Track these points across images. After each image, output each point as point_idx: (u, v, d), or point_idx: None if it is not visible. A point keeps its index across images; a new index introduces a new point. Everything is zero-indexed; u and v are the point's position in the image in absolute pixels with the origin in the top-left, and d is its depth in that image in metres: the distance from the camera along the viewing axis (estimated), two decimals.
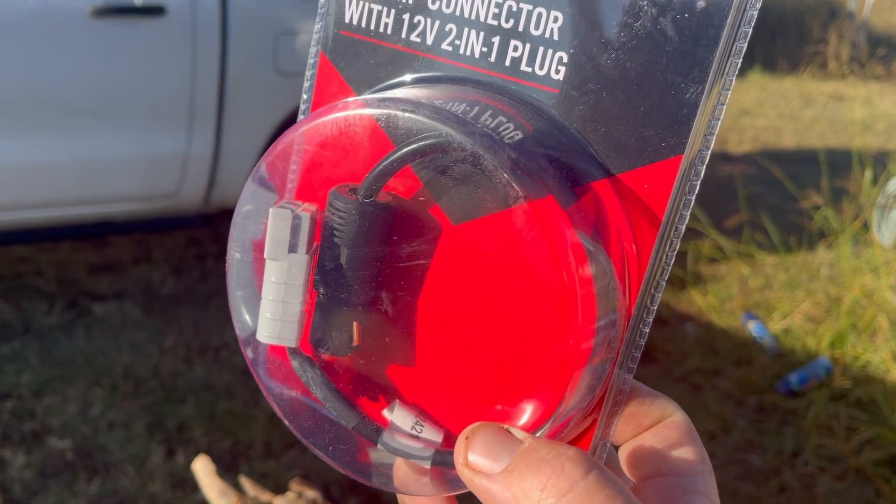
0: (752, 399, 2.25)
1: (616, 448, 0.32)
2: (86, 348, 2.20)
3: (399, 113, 0.28)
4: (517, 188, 0.27)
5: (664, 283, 0.29)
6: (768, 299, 2.78)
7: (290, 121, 2.41)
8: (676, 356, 2.40)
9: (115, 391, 2.03)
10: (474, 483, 0.27)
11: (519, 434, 0.28)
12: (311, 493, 0.90)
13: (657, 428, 0.31)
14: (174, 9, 2.16)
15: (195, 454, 1.83)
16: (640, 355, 0.30)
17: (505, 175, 0.27)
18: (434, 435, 0.31)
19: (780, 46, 7.67)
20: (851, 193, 2.97)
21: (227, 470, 1.73)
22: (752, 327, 2.56)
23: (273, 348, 0.33)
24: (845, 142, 5.13)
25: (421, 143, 0.28)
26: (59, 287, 2.52)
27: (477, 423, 0.28)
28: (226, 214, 2.65)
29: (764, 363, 2.40)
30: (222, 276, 2.36)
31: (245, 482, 0.98)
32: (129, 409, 1.97)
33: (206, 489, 0.95)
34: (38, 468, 1.76)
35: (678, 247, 0.29)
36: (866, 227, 2.87)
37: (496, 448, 0.27)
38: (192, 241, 2.88)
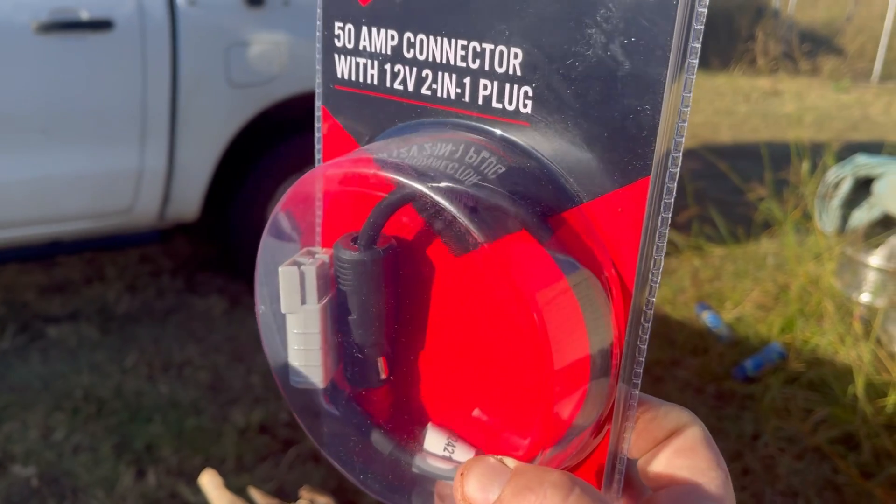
0: (710, 387, 2.32)
1: (635, 461, 0.33)
2: (43, 372, 2.15)
3: (368, 171, 0.30)
4: (475, 233, 0.28)
5: (654, 300, 0.30)
6: (719, 289, 2.87)
7: (245, 133, 2.39)
8: None
9: (77, 414, 1.99)
10: None
11: (510, 463, 0.29)
12: (323, 500, 0.90)
13: (672, 439, 0.32)
14: (122, 23, 2.12)
15: (166, 474, 1.81)
16: (642, 370, 0.30)
17: (463, 221, 0.28)
18: (465, 455, 0.32)
19: (711, 45, 7.90)
20: (792, 184, 3.09)
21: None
22: (706, 317, 2.63)
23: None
24: (778, 135, 5.32)
25: (392, 199, 0.30)
26: (8, 311, 2.45)
27: (473, 458, 0.30)
28: (181, 230, 2.61)
29: (720, 351, 2.48)
30: (179, 291, 2.34)
31: (254, 493, 0.97)
32: (93, 431, 1.93)
33: (215, 503, 0.94)
34: (4, 497, 1.71)
35: (662, 264, 0.29)
36: (807, 216, 2.99)
37: (488, 480, 0.28)
38: (145, 257, 2.83)
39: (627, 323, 0.30)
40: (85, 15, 2.08)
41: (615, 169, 0.29)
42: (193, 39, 2.23)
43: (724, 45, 8.00)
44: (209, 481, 0.94)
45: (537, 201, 0.30)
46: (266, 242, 0.34)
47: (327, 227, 0.34)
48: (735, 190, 3.20)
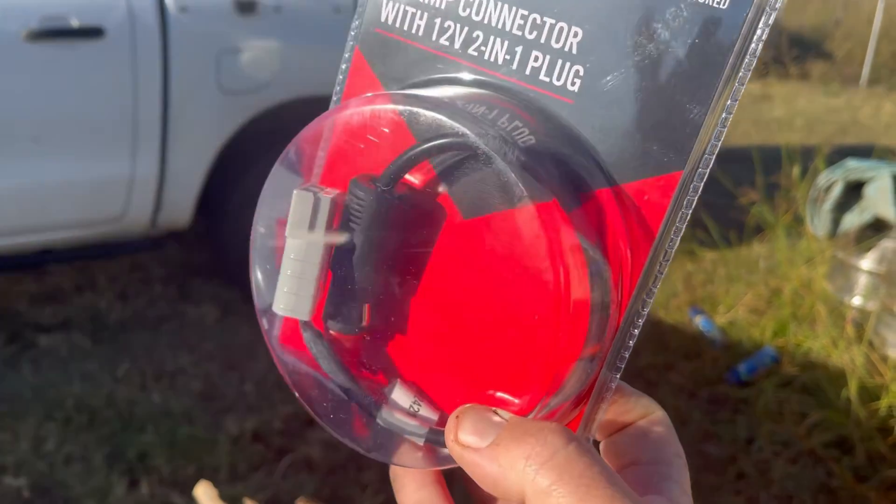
0: (704, 391, 2.32)
1: (597, 445, 0.34)
2: (34, 382, 2.13)
3: (420, 110, 0.30)
4: (522, 189, 0.28)
5: (656, 290, 0.31)
6: (712, 294, 2.87)
7: (237, 139, 2.39)
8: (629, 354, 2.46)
9: (69, 424, 1.97)
10: (464, 458, 0.29)
11: (504, 415, 0.30)
12: None
13: (638, 424, 0.33)
14: (113, 30, 2.11)
15: (159, 484, 1.80)
16: (627, 356, 0.31)
17: (512, 175, 0.28)
18: (430, 414, 0.33)
19: None
20: (783, 188, 3.10)
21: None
22: (699, 322, 2.64)
23: (287, 322, 0.36)
24: (769, 139, 5.35)
25: (439, 141, 0.30)
26: None
27: (467, 405, 0.30)
28: (172, 237, 2.60)
29: (713, 356, 2.48)
30: (171, 299, 2.33)
31: (249, 503, 0.97)
32: (85, 441, 1.92)
33: None
34: None
35: (672, 257, 0.30)
36: (799, 219, 3.00)
37: (483, 426, 0.29)
38: (136, 265, 2.82)
39: (625, 310, 0.31)
40: (75, 22, 2.07)
41: (651, 159, 0.30)
42: (184, 46, 2.23)
43: None
44: (204, 493, 0.93)
45: (569, 174, 0.31)
46: (277, 171, 0.34)
47: (335, 166, 0.33)
48: (727, 194, 3.21)
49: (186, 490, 1.75)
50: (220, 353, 2.33)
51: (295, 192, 0.31)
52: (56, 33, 2.04)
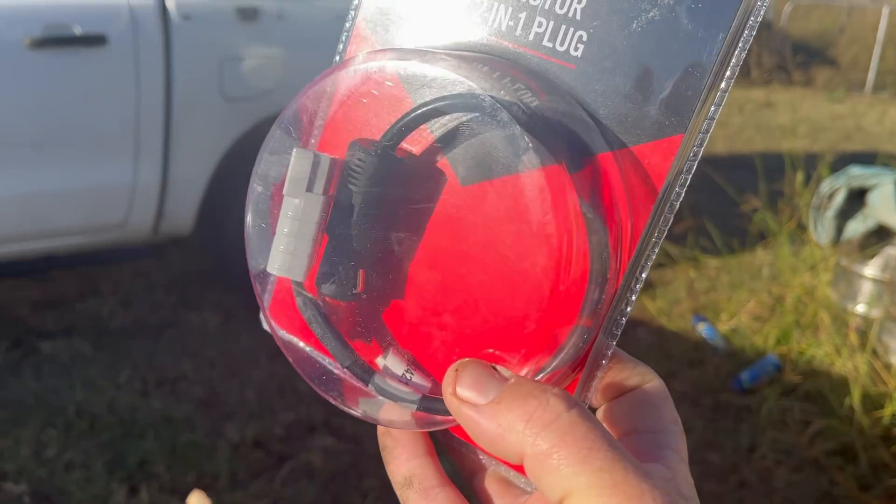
0: (707, 399, 2.31)
1: (594, 411, 0.34)
2: (36, 388, 2.13)
3: (426, 65, 0.30)
4: (527, 141, 0.28)
5: (654, 256, 0.31)
6: (715, 301, 2.86)
7: (239, 146, 2.39)
8: None
9: (70, 430, 1.97)
10: (461, 412, 0.28)
11: (506, 373, 0.29)
12: None
13: (634, 392, 0.33)
14: (115, 38, 2.12)
15: (159, 490, 1.79)
16: (624, 323, 0.31)
17: (518, 128, 0.28)
18: (423, 381, 0.32)
19: None
20: (786, 195, 3.09)
21: None
22: (702, 329, 2.63)
23: (279, 287, 0.35)
24: (772, 146, 5.34)
25: (442, 103, 0.30)
26: (1, 326, 2.43)
27: (466, 359, 0.30)
28: (175, 244, 2.61)
29: (716, 363, 2.47)
30: (173, 306, 2.32)
31: None
32: (86, 447, 1.91)
33: None
34: None
35: (671, 222, 0.30)
36: (802, 227, 2.99)
37: (484, 382, 0.28)
38: (139, 272, 2.82)
39: (623, 276, 0.31)
40: (78, 30, 2.08)
41: (652, 122, 0.30)
42: (187, 54, 2.23)
43: None
44: (198, 501, 0.93)
45: (571, 138, 0.31)
46: (275, 131, 0.34)
47: (336, 130, 0.33)
48: (730, 201, 3.20)
49: (186, 497, 1.75)
50: (221, 359, 2.33)
51: (294, 150, 0.31)
52: (59, 41, 2.05)
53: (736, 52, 0.29)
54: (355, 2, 0.37)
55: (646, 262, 0.31)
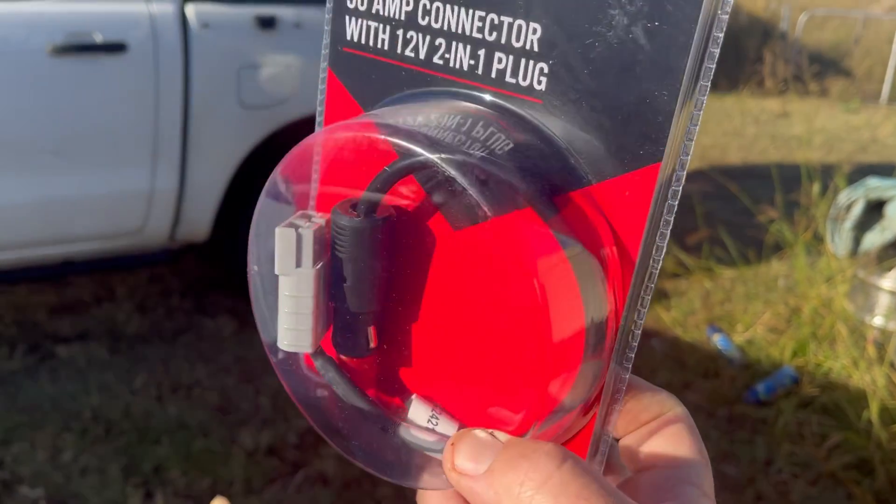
0: (722, 410, 2.30)
1: (617, 441, 0.33)
2: (52, 392, 2.14)
3: (379, 136, 0.29)
4: (484, 207, 0.27)
5: (653, 286, 0.30)
6: (730, 312, 2.85)
7: (256, 153, 2.40)
8: (646, 372, 2.44)
9: (85, 435, 1.98)
10: (461, 485, 0.29)
11: (501, 437, 0.29)
12: None
13: (655, 422, 0.32)
14: (135, 45, 2.14)
15: (174, 496, 1.80)
16: (635, 349, 0.30)
17: (473, 195, 0.28)
18: (449, 428, 0.32)
19: (719, 66, 7.91)
20: (802, 206, 3.08)
21: None
22: (717, 340, 2.62)
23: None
24: (788, 156, 5.32)
25: (400, 166, 0.30)
26: (19, 330, 2.45)
27: (462, 430, 0.30)
28: (191, 249, 2.62)
29: (731, 375, 2.46)
30: (188, 311, 2.33)
31: None
32: (101, 452, 1.92)
33: None
34: None
35: (665, 250, 0.29)
36: (818, 238, 2.97)
37: (479, 451, 0.28)
38: (155, 277, 2.84)
39: (624, 307, 0.30)
40: (99, 38, 2.10)
41: (626, 152, 0.29)
42: (206, 61, 2.25)
43: (733, 67, 8.03)
44: None
45: (545, 179, 0.30)
46: (263, 204, 0.33)
47: (324, 191, 0.34)
48: (745, 212, 3.19)
49: (201, 503, 1.75)
50: (235, 366, 2.34)
51: (276, 230, 0.31)
52: (80, 48, 2.07)
53: (703, 68, 0.28)
54: (323, 52, 0.36)
55: (644, 293, 0.30)
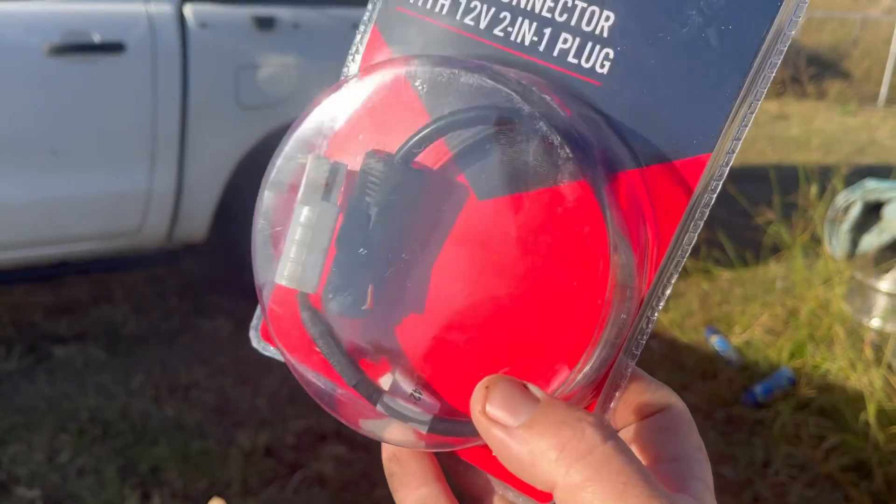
0: (720, 412, 2.30)
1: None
2: (49, 393, 2.14)
3: (462, 71, 0.29)
4: (568, 152, 0.28)
5: (677, 275, 0.31)
6: (728, 313, 2.85)
7: (254, 154, 2.40)
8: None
9: (82, 436, 1.98)
10: (490, 433, 0.27)
11: (538, 393, 0.28)
12: None
13: (657, 416, 0.32)
14: (134, 45, 2.14)
15: (171, 497, 1.79)
16: (644, 342, 0.31)
17: (558, 137, 0.28)
18: (433, 402, 0.31)
19: None
20: (800, 208, 3.08)
21: None
22: (715, 341, 2.62)
23: (283, 302, 0.33)
24: (786, 158, 5.32)
25: (466, 115, 0.29)
26: (15, 331, 2.44)
27: (496, 375, 0.29)
28: (189, 250, 2.62)
29: (729, 376, 2.46)
30: (186, 312, 2.32)
31: None
32: (98, 453, 1.92)
33: None
34: None
35: (694, 241, 0.30)
36: (816, 239, 2.97)
37: (515, 402, 0.27)
38: (152, 278, 2.83)
39: (645, 295, 0.31)
40: (97, 38, 2.09)
41: (680, 141, 0.31)
42: (204, 61, 2.25)
43: None
44: None
45: (598, 155, 0.31)
46: (288, 139, 0.32)
47: (350, 136, 0.32)
48: (743, 213, 3.19)
49: None
50: (233, 367, 2.33)
51: (310, 156, 0.30)
52: (78, 48, 2.07)
53: (763, 75, 0.30)
54: (369, 11, 0.36)
55: (669, 280, 0.31)
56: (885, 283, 2.59)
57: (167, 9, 2.20)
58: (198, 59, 2.23)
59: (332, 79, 0.36)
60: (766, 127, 6.64)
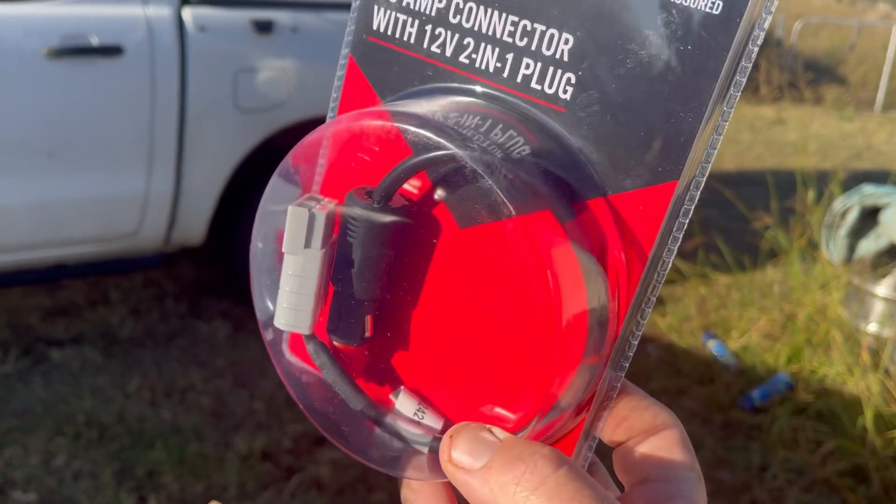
0: (717, 417, 2.30)
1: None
2: (45, 396, 2.13)
3: (409, 127, 0.30)
4: (510, 206, 0.28)
5: (654, 299, 0.31)
6: (725, 318, 2.85)
7: (251, 157, 2.40)
8: (641, 378, 2.44)
9: (78, 439, 1.97)
10: (456, 478, 0.29)
11: (500, 434, 0.29)
12: None
13: (649, 434, 0.32)
14: (132, 48, 2.14)
15: (167, 501, 1.79)
16: (631, 357, 0.31)
17: (500, 194, 0.28)
18: (434, 422, 0.32)
19: None
20: (798, 213, 3.08)
21: None
22: (712, 346, 2.62)
23: (291, 334, 0.35)
24: (783, 163, 5.33)
25: (429, 155, 0.30)
26: (11, 334, 2.44)
27: (461, 423, 0.30)
28: (186, 253, 2.61)
29: (726, 381, 2.46)
30: (183, 315, 2.33)
31: None
32: (94, 457, 1.91)
33: None
34: None
35: (670, 266, 0.30)
36: (813, 244, 2.98)
37: (477, 446, 0.29)
38: (149, 281, 2.83)
39: (626, 314, 0.31)
40: (95, 41, 2.09)
41: (646, 168, 0.30)
42: (202, 65, 2.25)
43: None
44: None
45: (563, 186, 0.31)
46: (275, 183, 0.33)
47: (335, 177, 0.34)
48: (741, 218, 3.19)
49: None
50: (230, 370, 2.33)
51: (290, 208, 0.31)
52: (76, 51, 2.07)
53: (728, 95, 0.29)
54: (347, 38, 0.36)
55: (646, 306, 0.31)
56: (882, 288, 2.59)
57: (166, 12, 2.20)
58: (196, 63, 2.23)
59: (330, 82, 0.37)
60: (764, 132, 6.65)
